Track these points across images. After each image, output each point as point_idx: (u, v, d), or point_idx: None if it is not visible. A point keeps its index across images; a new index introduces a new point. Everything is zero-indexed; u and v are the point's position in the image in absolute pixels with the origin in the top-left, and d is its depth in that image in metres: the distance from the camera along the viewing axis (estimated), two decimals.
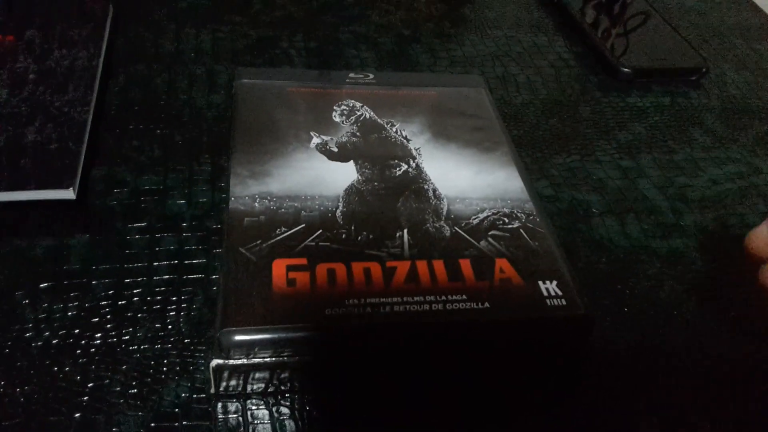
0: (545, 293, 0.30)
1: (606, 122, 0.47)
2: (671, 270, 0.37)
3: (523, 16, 0.58)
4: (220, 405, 0.28)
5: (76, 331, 0.30)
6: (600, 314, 0.34)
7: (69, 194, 0.34)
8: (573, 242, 0.37)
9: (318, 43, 0.51)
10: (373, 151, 0.37)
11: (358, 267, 0.30)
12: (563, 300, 0.30)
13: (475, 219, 0.33)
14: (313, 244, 0.31)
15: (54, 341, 0.29)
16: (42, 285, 0.31)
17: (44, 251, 0.33)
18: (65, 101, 0.38)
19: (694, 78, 0.53)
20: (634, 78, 0.51)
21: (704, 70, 0.52)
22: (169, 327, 0.30)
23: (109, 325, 0.30)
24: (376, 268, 0.30)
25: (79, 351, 0.29)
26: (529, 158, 0.43)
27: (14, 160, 0.34)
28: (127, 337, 0.30)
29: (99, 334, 0.30)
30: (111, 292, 0.31)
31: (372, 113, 0.39)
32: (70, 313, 0.30)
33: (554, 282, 0.30)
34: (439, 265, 0.31)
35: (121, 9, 0.50)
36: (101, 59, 0.42)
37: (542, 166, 0.42)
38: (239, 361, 0.27)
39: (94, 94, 0.40)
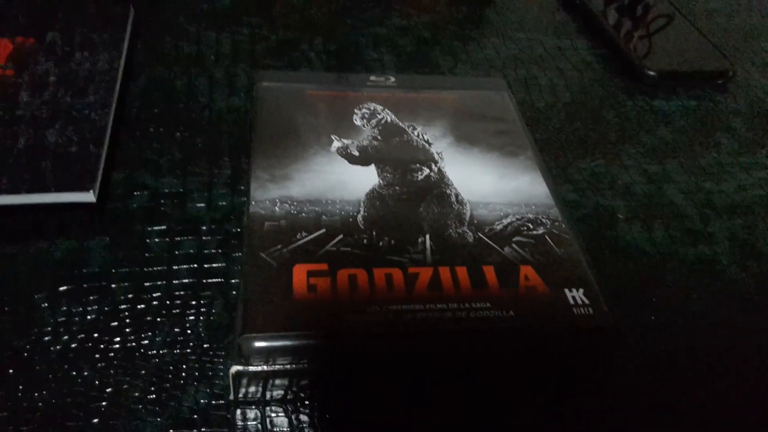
0: (571, 301, 0.29)
1: (631, 126, 0.46)
2: (700, 278, 0.36)
3: (545, 18, 0.57)
4: (239, 412, 0.28)
5: (95, 335, 0.29)
6: (626, 323, 0.33)
7: (89, 197, 0.34)
8: (598, 249, 0.36)
9: (338, 45, 0.50)
10: (395, 155, 0.36)
11: (379, 273, 0.29)
12: (590, 309, 0.29)
13: (498, 225, 0.33)
14: (334, 249, 0.30)
15: (73, 345, 0.29)
16: (61, 288, 0.31)
17: (64, 254, 0.32)
18: (86, 104, 0.38)
19: (720, 81, 0.52)
20: (659, 81, 0.50)
21: (730, 73, 0.51)
22: (188, 332, 0.30)
23: (128, 329, 0.30)
24: (397, 274, 0.29)
25: (97, 355, 0.29)
26: (553, 162, 0.42)
27: (35, 163, 0.34)
28: (146, 342, 0.29)
29: (118, 339, 0.29)
30: (130, 295, 0.31)
31: (393, 116, 0.39)
32: (89, 317, 0.30)
33: (581, 290, 0.30)
34: (462, 271, 0.30)
35: (142, 12, 0.50)
36: (122, 62, 0.42)
37: (566, 170, 0.42)
38: (259, 368, 0.27)
39: (115, 97, 0.39)
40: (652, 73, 0.50)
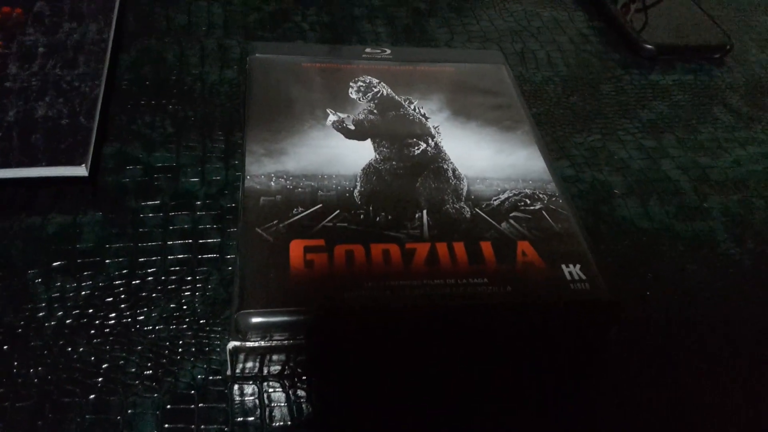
0: (568, 277, 0.29)
1: (628, 100, 0.46)
2: (695, 253, 0.36)
3: None
4: (236, 387, 0.28)
5: (90, 311, 0.29)
6: (622, 298, 0.33)
7: (81, 171, 0.33)
8: (594, 224, 0.36)
9: (331, 17, 0.49)
10: (391, 129, 0.36)
11: (376, 248, 0.29)
12: (587, 284, 0.29)
13: (495, 200, 0.32)
14: (331, 224, 0.30)
15: (67, 321, 0.29)
16: (54, 264, 0.31)
17: (56, 229, 0.32)
18: (76, 75, 0.37)
19: (717, 55, 0.51)
20: (657, 55, 0.50)
21: (728, 47, 0.51)
22: (184, 307, 0.30)
23: (123, 305, 0.30)
24: (395, 250, 0.29)
25: (93, 331, 0.28)
26: (549, 137, 0.42)
27: (25, 136, 0.34)
28: (141, 318, 0.29)
29: (113, 314, 0.29)
30: (125, 271, 0.31)
31: (389, 90, 0.38)
32: (83, 293, 0.30)
33: (578, 265, 0.30)
34: (459, 247, 0.30)
35: None
36: (112, 32, 0.41)
37: (563, 145, 0.41)
38: (256, 344, 0.26)
39: (105, 69, 0.39)
40: (649, 46, 0.49)
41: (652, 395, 0.29)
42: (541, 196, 0.33)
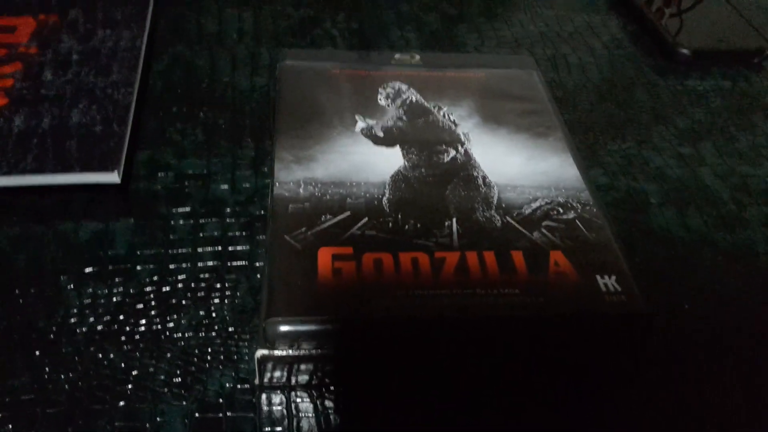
0: (603, 288, 0.28)
1: (663, 107, 0.45)
2: (735, 264, 0.35)
3: None
4: (264, 396, 0.27)
5: (121, 317, 0.29)
6: (659, 311, 0.32)
7: (114, 178, 0.33)
8: (629, 234, 0.36)
9: (360, 23, 0.49)
10: (420, 136, 0.35)
11: (405, 257, 0.29)
12: (623, 296, 0.28)
13: (527, 208, 0.32)
14: (359, 232, 0.30)
15: (99, 327, 0.29)
16: (87, 270, 0.31)
17: (89, 235, 0.32)
18: (109, 83, 0.38)
19: (756, 60, 0.50)
20: (693, 60, 0.49)
21: (767, 52, 0.49)
22: (213, 315, 0.30)
23: (153, 312, 0.30)
24: (424, 259, 0.29)
25: (123, 338, 0.29)
26: (582, 144, 0.41)
27: (59, 143, 0.34)
28: (171, 325, 0.29)
29: (143, 321, 0.29)
30: (155, 278, 0.31)
31: (418, 96, 0.38)
32: (114, 299, 0.30)
33: (613, 277, 0.29)
34: (489, 256, 0.29)
35: None
36: (144, 40, 0.42)
37: (596, 153, 0.40)
38: (284, 352, 0.26)
39: (138, 76, 0.39)
40: (685, 51, 0.48)
41: (689, 411, 0.28)
42: (574, 204, 0.32)
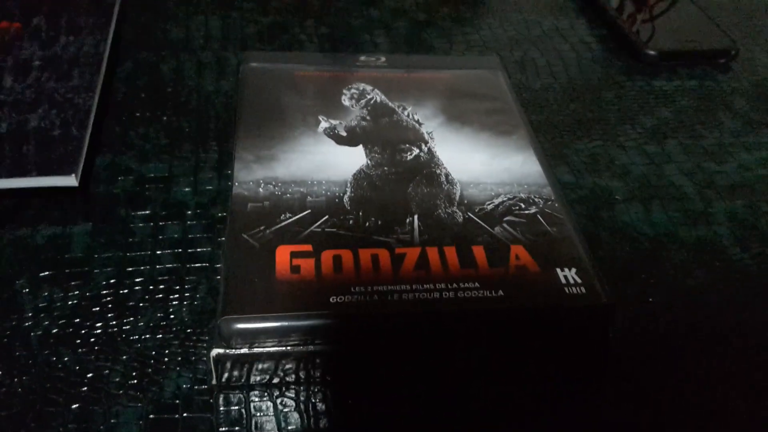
0: (563, 281, 0.28)
1: (630, 107, 0.45)
2: (699, 259, 0.35)
3: None
4: (222, 397, 0.27)
5: (76, 320, 0.29)
6: (623, 304, 0.32)
7: (71, 181, 0.33)
8: (595, 230, 0.35)
9: (330, 28, 0.49)
10: (384, 136, 0.35)
11: (365, 254, 0.29)
12: (583, 288, 0.28)
13: (489, 204, 0.32)
14: (319, 230, 0.30)
15: (53, 330, 0.28)
16: (42, 273, 0.30)
17: (46, 239, 0.32)
18: (70, 88, 0.37)
19: (722, 61, 0.50)
20: (660, 61, 0.49)
21: (733, 52, 0.50)
22: (171, 317, 0.29)
23: (109, 315, 0.29)
24: (384, 255, 0.29)
25: (78, 341, 0.28)
26: (549, 144, 0.41)
27: (16, 147, 0.34)
28: (127, 327, 0.29)
29: (99, 324, 0.29)
30: (113, 280, 0.30)
31: (383, 97, 0.38)
32: (70, 302, 0.29)
33: (573, 269, 0.29)
34: (450, 251, 0.29)
35: None
36: (108, 45, 0.42)
37: (563, 152, 0.40)
38: (241, 351, 0.26)
39: (100, 81, 0.39)
40: (652, 52, 0.49)
41: (654, 401, 0.28)
42: (536, 200, 0.32)
